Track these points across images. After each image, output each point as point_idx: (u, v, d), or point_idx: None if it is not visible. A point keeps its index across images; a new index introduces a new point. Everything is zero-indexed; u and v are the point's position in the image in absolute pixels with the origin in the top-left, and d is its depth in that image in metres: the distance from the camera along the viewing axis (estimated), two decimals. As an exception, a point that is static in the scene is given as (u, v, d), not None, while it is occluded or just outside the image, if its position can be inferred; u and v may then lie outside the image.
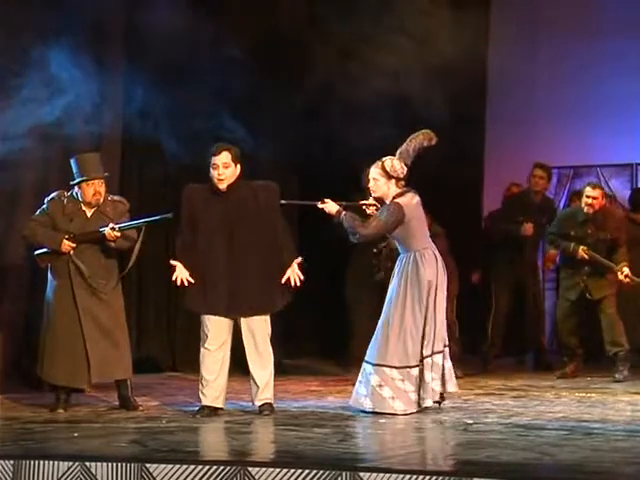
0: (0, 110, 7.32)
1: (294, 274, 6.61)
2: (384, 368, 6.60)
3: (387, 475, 4.56)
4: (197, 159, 7.17)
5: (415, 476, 4.53)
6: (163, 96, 7.80)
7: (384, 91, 8.70)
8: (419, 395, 6.61)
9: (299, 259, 6.66)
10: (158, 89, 7.83)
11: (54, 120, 7.42)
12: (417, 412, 6.60)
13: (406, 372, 6.60)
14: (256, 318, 6.60)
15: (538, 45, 11.08)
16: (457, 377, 7.01)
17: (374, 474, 4.58)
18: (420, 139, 6.80)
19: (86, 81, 7.50)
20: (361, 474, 4.58)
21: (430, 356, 6.64)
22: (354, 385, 6.74)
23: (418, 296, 6.65)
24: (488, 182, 11.04)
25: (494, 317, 9.78)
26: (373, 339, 6.73)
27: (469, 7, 9.38)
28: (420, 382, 6.62)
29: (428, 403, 6.63)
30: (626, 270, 8.68)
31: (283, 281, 6.59)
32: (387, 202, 6.73)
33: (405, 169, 6.72)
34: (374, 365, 6.63)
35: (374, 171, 6.76)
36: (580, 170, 10.88)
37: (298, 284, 6.61)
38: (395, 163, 6.71)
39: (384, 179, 6.72)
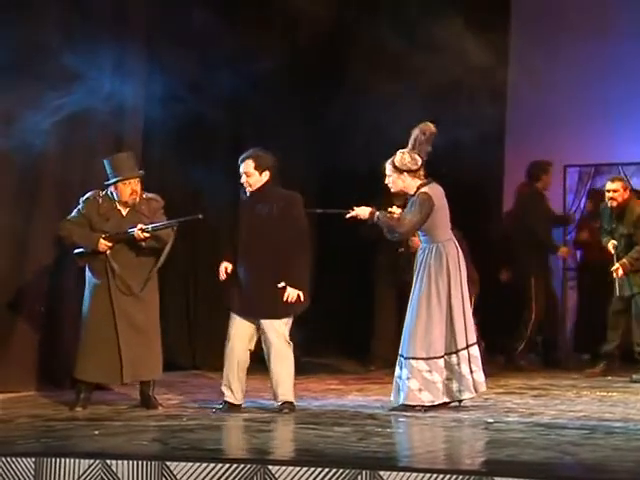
0: (20, 104, 7.32)
1: (290, 293, 6.62)
2: (411, 360, 6.61)
3: (407, 474, 4.55)
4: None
5: (435, 475, 4.51)
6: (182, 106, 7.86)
7: (409, 106, 8.78)
8: (447, 386, 6.62)
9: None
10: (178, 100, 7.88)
11: (75, 115, 7.43)
12: (446, 404, 6.61)
13: (433, 363, 6.60)
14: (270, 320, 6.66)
15: (559, 45, 11.06)
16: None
17: (394, 473, 4.56)
18: (417, 133, 6.80)
19: (107, 75, 7.51)
20: (381, 473, 4.57)
21: (466, 348, 6.65)
22: (375, 383, 6.73)
23: (442, 287, 6.65)
24: (509, 181, 10.98)
25: (536, 315, 9.74)
26: (403, 333, 6.74)
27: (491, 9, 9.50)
28: (452, 374, 6.63)
29: (466, 396, 6.65)
30: (620, 271, 8.61)
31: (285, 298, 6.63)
32: (411, 195, 6.74)
33: (418, 160, 6.71)
34: (405, 358, 6.66)
35: (387, 167, 6.80)
36: (601, 168, 10.80)
37: (291, 301, 6.63)
38: (405, 157, 6.71)
39: (396, 174, 6.74)
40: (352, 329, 10.06)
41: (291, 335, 6.73)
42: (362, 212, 6.82)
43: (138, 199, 6.98)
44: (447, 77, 9.15)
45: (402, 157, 6.71)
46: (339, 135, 9.73)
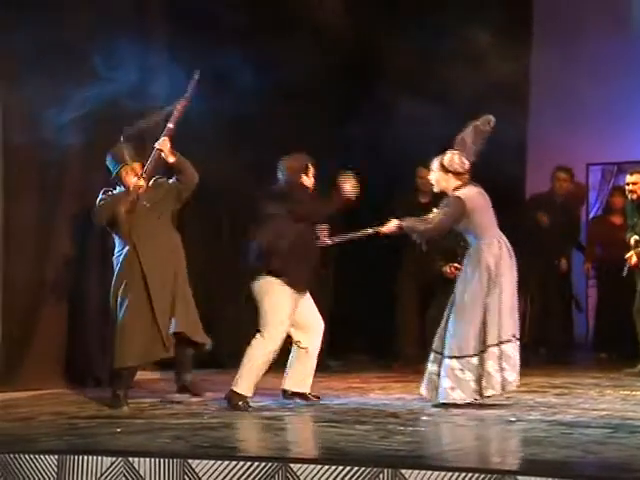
0: (43, 101, 7.33)
1: None
2: (446, 359, 6.61)
3: (429, 472, 4.51)
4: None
5: (457, 474, 4.47)
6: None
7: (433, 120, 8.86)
8: (480, 384, 6.58)
9: None
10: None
11: (98, 112, 7.43)
12: (477, 403, 6.58)
13: (465, 361, 6.58)
14: None
15: (580, 45, 11.07)
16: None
17: (416, 471, 4.53)
18: (479, 129, 6.76)
19: (131, 71, 7.50)
20: (402, 471, 4.53)
21: (496, 345, 6.60)
22: (397, 382, 6.70)
23: (479, 285, 6.62)
24: (531, 180, 10.94)
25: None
26: (441, 331, 6.72)
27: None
28: (482, 371, 6.58)
29: (489, 393, 6.60)
30: (634, 259, 8.55)
31: None
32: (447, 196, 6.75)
33: (466, 163, 6.70)
34: (444, 357, 6.65)
35: (434, 164, 6.80)
36: (624, 166, 10.74)
37: None
38: (455, 158, 6.70)
39: (441, 173, 6.74)
40: (374, 326, 10.02)
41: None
42: (390, 228, 6.85)
43: (145, 187, 6.89)
44: (470, 90, 9.25)
45: (452, 158, 6.70)
46: (362, 146, 9.77)
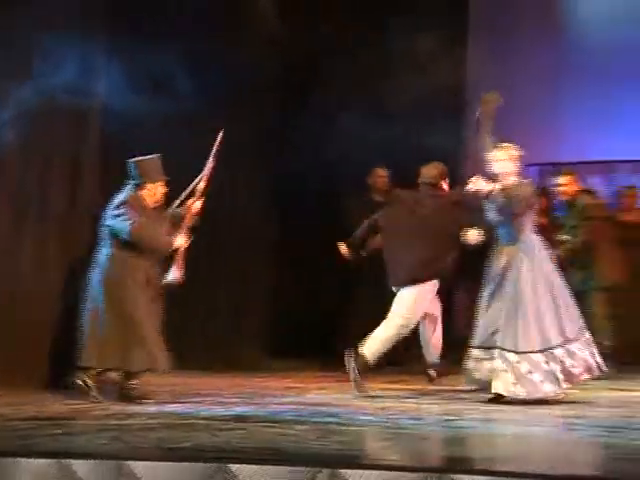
0: None
1: None
2: (530, 354, 6.73)
3: (367, 472, 4.50)
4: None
5: (395, 472, 4.46)
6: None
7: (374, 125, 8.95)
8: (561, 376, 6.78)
9: None
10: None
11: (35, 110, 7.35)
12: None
13: (549, 354, 6.74)
14: None
15: (515, 50, 11.34)
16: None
17: (354, 471, 4.51)
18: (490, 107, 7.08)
19: (69, 70, 7.44)
20: (341, 471, 4.51)
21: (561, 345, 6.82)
22: (337, 382, 6.70)
23: (544, 279, 6.83)
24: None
25: None
26: (505, 328, 6.82)
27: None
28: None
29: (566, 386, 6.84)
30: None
31: None
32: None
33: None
34: (519, 353, 6.75)
35: (498, 153, 7.03)
36: (560, 167, 10.83)
37: None
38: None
39: (507, 159, 7.02)
40: (319, 328, 10.03)
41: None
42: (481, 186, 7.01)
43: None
44: (408, 96, 9.42)
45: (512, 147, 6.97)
46: (302, 150, 9.82)
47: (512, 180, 7.00)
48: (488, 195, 6.94)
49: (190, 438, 5.41)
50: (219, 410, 6.59)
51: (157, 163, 7.06)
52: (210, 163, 7.12)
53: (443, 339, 8.07)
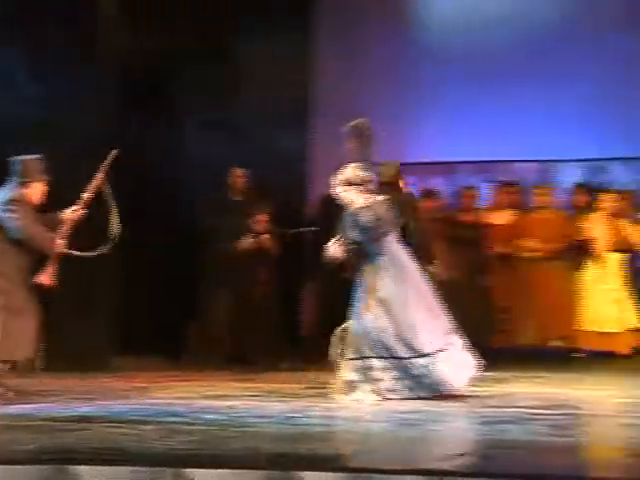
0: None
1: None
2: (403, 360, 6.90)
3: (212, 471, 4.49)
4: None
5: (240, 471, 4.48)
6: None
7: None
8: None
9: None
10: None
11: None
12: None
13: (424, 358, 6.92)
14: None
15: (361, 54, 11.67)
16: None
17: (198, 470, 4.49)
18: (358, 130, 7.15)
19: None
20: (185, 470, 4.48)
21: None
22: (180, 381, 6.66)
23: (415, 288, 7.04)
24: (314, 192, 11.10)
25: None
26: (381, 336, 6.89)
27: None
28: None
29: None
30: None
31: None
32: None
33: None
34: (396, 359, 6.89)
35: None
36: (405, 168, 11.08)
37: None
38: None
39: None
40: (164, 328, 9.96)
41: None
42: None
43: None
44: (255, 100, 9.58)
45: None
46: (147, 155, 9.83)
47: (374, 199, 7.04)
48: (358, 209, 6.97)
49: (33, 440, 5.30)
50: (63, 410, 6.47)
51: (40, 163, 7.14)
52: (98, 177, 7.20)
53: (287, 338, 8.13)
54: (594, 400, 7.23)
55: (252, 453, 4.93)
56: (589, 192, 10.36)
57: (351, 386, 6.88)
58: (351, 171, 6.99)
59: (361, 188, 6.98)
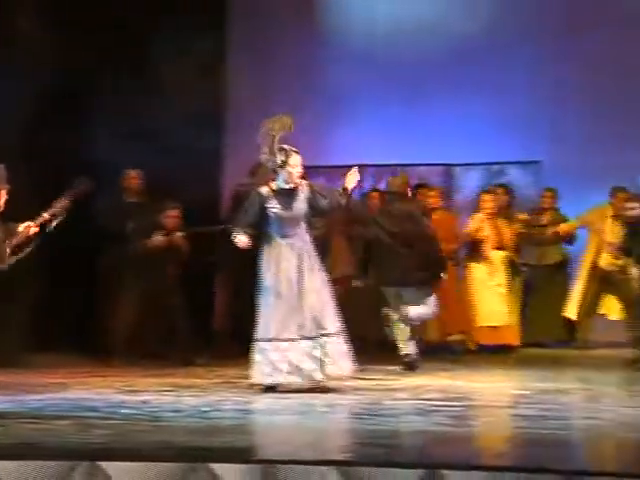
0: None
1: None
2: (300, 341, 7.14)
3: (128, 464, 4.57)
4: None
5: (155, 463, 4.57)
6: None
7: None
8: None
9: None
10: None
11: None
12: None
13: (318, 341, 7.19)
14: None
15: (273, 60, 11.91)
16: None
17: (113, 463, 4.57)
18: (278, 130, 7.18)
19: None
20: (99, 463, 4.56)
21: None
22: (96, 377, 6.69)
23: (319, 276, 7.33)
24: (227, 199, 11.24)
25: None
26: (286, 320, 7.12)
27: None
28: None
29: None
30: None
31: None
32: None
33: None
34: (294, 340, 7.12)
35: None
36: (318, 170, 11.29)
37: None
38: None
39: None
40: (80, 324, 9.98)
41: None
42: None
43: None
44: (170, 101, 9.71)
45: None
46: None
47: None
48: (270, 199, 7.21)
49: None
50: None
51: (2, 171, 7.10)
52: (62, 202, 7.18)
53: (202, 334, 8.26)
54: (491, 392, 7.52)
55: (165, 446, 5.03)
56: (491, 194, 10.75)
57: (255, 367, 7.09)
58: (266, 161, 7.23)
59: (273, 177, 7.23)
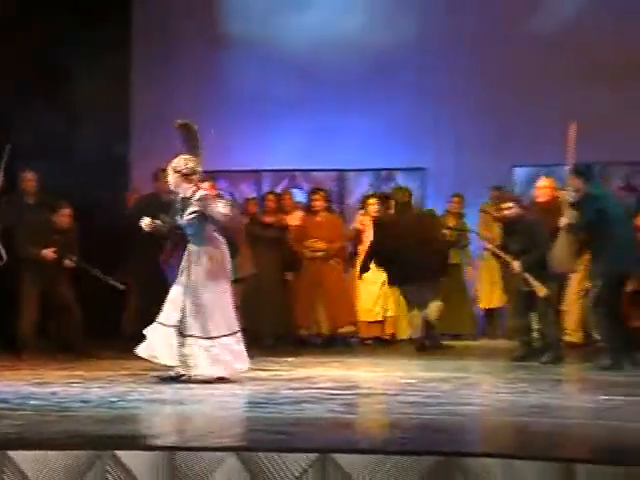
0: None
1: None
2: (220, 338, 7.41)
3: (33, 452, 4.70)
4: None
5: (64, 452, 4.68)
6: None
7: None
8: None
9: None
10: None
11: None
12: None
13: (236, 336, 7.52)
14: None
15: (178, 65, 12.26)
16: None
17: (21, 452, 4.69)
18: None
19: None
20: (9, 452, 4.66)
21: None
22: (10, 370, 6.81)
23: (225, 276, 7.60)
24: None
25: None
26: (195, 317, 7.36)
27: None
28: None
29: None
30: None
31: None
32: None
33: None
34: (211, 338, 7.38)
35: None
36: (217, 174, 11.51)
37: None
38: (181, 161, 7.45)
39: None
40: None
41: None
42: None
43: None
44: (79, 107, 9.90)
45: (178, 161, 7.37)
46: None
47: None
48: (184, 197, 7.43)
49: None
50: None
51: None
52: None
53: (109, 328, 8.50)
54: (381, 381, 7.84)
55: (73, 435, 5.18)
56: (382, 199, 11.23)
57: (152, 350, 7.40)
58: (182, 162, 7.43)
59: (191, 178, 7.43)
